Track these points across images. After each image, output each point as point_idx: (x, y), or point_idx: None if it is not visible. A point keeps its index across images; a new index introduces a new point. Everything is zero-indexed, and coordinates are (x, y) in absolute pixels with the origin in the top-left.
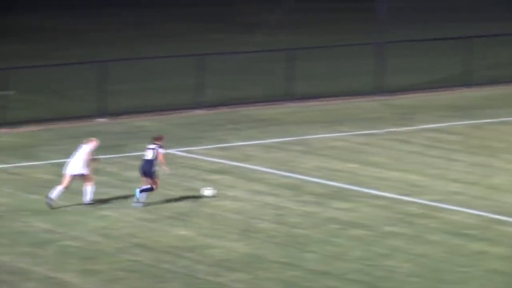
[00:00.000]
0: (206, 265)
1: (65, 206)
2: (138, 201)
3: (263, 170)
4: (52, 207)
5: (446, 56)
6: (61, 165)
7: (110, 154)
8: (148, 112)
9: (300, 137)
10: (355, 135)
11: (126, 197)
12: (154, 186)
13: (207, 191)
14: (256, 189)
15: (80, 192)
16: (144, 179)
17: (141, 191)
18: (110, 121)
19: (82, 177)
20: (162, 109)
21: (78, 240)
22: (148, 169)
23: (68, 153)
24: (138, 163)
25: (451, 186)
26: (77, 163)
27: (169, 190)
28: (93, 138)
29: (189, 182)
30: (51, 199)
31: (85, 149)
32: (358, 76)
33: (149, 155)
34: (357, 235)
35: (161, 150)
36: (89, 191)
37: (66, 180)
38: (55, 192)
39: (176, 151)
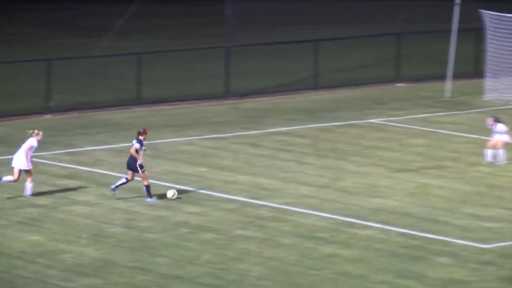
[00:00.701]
0: (58, 270)
1: None
2: (152, 199)
3: (113, 175)
4: None
5: (295, 59)
6: None
7: None
8: None
9: (150, 142)
10: (205, 139)
11: None
12: (145, 183)
13: (169, 193)
14: (106, 194)
15: None
16: (130, 172)
17: (147, 197)
18: None
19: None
20: (11, 115)
21: None
22: (131, 164)
23: None
24: None
25: (302, 189)
26: (20, 157)
27: (19, 196)
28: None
29: (39, 187)
30: None
31: (27, 144)
32: (208, 80)
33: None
34: (208, 239)
35: (136, 145)
36: (28, 188)
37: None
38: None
39: None
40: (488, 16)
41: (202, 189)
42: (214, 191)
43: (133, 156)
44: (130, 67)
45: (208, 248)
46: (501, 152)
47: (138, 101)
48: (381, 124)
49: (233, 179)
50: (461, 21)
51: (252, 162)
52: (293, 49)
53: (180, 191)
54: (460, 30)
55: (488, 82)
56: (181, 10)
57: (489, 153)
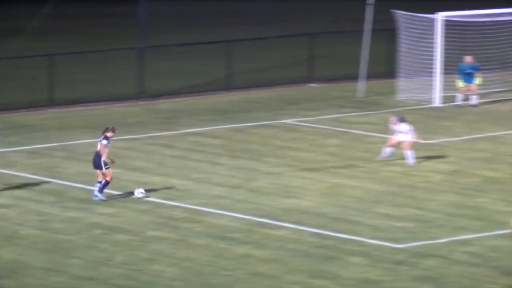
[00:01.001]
0: None
1: None
2: (101, 196)
3: (27, 176)
4: None
5: (208, 60)
6: None
7: None
8: None
9: (63, 143)
10: (118, 140)
11: None
12: (107, 179)
13: (138, 192)
14: (20, 195)
15: None
16: (97, 171)
17: (98, 191)
18: None
19: None
20: None
21: None
22: (96, 161)
23: None
24: None
25: (215, 190)
26: None
27: None
28: None
29: None
30: None
31: None
32: (121, 81)
33: (97, 147)
34: (121, 240)
35: (104, 141)
36: None
37: None
38: None
39: None
40: (401, 16)
41: (115, 190)
42: (127, 192)
43: (99, 154)
44: (42, 69)
45: (122, 249)
46: (409, 153)
47: (51, 103)
48: (294, 124)
49: (146, 180)
50: (374, 21)
51: (165, 163)
52: (207, 50)
53: (93, 192)
54: (373, 30)
55: (401, 82)
56: (94, 11)
57: (387, 150)
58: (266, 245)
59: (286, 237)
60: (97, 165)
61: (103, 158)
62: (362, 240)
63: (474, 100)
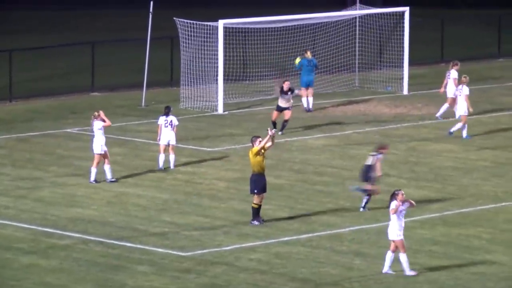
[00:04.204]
0: None
1: None
2: None
3: None
4: None
5: None
6: None
7: None
8: None
9: None
10: None
11: None
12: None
13: None
14: None
15: None
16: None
17: None
18: None
19: None
20: None
21: None
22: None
23: None
24: None
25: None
26: None
27: None
28: None
29: None
30: None
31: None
32: None
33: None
34: None
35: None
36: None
37: None
38: None
39: None
40: (182, 24)
41: None
42: None
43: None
44: None
45: None
46: (171, 157)
47: None
48: (77, 133)
49: None
50: (157, 29)
51: None
52: None
53: None
54: (156, 38)
55: (183, 90)
56: None
57: (160, 157)
58: (52, 255)
59: (72, 247)
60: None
61: None
62: (148, 249)
63: (310, 103)
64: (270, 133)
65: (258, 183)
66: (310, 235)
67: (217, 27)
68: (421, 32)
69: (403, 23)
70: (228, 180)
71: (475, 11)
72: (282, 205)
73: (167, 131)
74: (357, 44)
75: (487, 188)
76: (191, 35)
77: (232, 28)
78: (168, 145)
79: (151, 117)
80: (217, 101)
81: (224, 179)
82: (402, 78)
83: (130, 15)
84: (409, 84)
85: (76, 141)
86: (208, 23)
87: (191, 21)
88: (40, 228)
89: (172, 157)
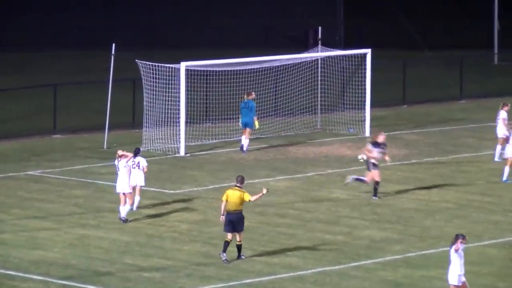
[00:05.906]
0: None
1: None
2: None
3: None
4: None
5: None
6: None
7: None
8: None
9: None
10: None
11: None
12: None
13: None
14: None
15: None
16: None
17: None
18: None
19: None
20: None
21: None
22: None
23: None
24: None
25: None
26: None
27: None
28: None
29: None
30: None
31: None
32: None
33: None
34: None
35: None
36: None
37: None
38: None
39: None
40: (144, 66)
41: None
42: None
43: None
44: None
45: None
46: (136, 199)
47: None
48: (38, 176)
49: None
50: (119, 71)
51: None
52: None
53: None
54: (117, 80)
55: (145, 132)
56: None
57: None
58: None
59: None
60: None
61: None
62: None
63: (246, 145)
64: (264, 191)
65: (241, 221)
66: (272, 277)
67: (179, 69)
68: (383, 74)
69: (365, 65)
70: (191, 222)
71: (436, 53)
72: (245, 247)
73: (135, 172)
74: (319, 86)
75: (449, 230)
76: (153, 77)
77: (194, 70)
78: (135, 187)
79: (112, 159)
80: (179, 143)
81: (186, 222)
82: (364, 120)
83: (92, 57)
84: (371, 126)
85: (38, 183)
86: (170, 65)
87: (153, 63)
88: (2, 271)
89: (137, 199)
